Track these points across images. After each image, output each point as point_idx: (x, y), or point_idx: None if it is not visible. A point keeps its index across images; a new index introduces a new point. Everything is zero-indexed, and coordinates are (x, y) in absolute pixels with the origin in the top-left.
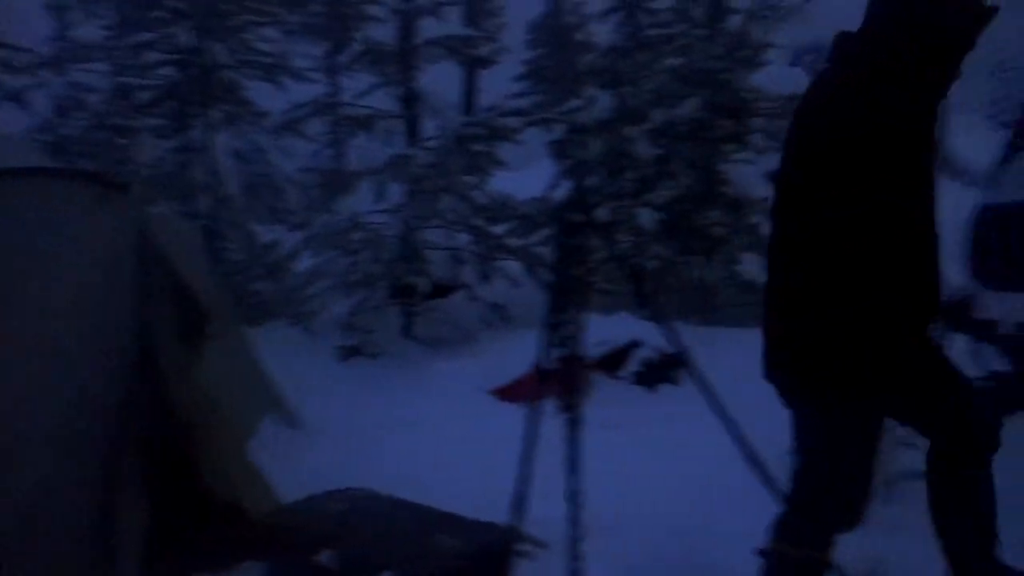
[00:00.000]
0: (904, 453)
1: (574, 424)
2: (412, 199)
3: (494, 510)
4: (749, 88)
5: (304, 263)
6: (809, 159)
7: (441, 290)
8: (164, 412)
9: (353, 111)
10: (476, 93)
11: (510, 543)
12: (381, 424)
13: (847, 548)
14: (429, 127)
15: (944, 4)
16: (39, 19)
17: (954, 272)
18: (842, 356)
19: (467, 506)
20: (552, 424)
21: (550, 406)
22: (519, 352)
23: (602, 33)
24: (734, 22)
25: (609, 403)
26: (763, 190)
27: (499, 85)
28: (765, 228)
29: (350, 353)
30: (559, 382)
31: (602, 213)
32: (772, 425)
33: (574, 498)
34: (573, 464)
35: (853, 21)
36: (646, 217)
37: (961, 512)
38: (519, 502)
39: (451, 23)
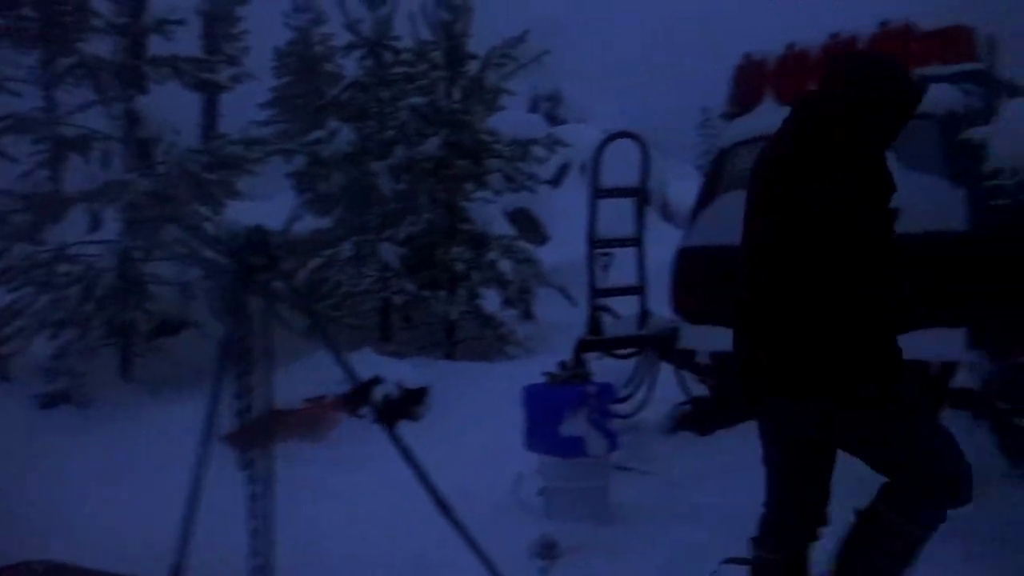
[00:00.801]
0: None
1: (258, 481)
2: (131, 229)
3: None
4: (487, 130)
5: None
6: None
7: (169, 328)
8: None
9: (66, 130)
10: (216, 118)
11: None
12: (87, 478)
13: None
14: (158, 152)
15: (895, 86)
16: None
17: (662, 306)
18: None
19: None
20: (298, 468)
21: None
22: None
23: (350, 66)
24: (473, 67)
25: (349, 442)
26: (501, 227)
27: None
28: (503, 265)
29: (54, 401)
30: (298, 424)
31: (346, 247)
32: (518, 457)
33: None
34: (258, 525)
35: (589, 72)
36: (389, 252)
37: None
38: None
39: (183, 43)
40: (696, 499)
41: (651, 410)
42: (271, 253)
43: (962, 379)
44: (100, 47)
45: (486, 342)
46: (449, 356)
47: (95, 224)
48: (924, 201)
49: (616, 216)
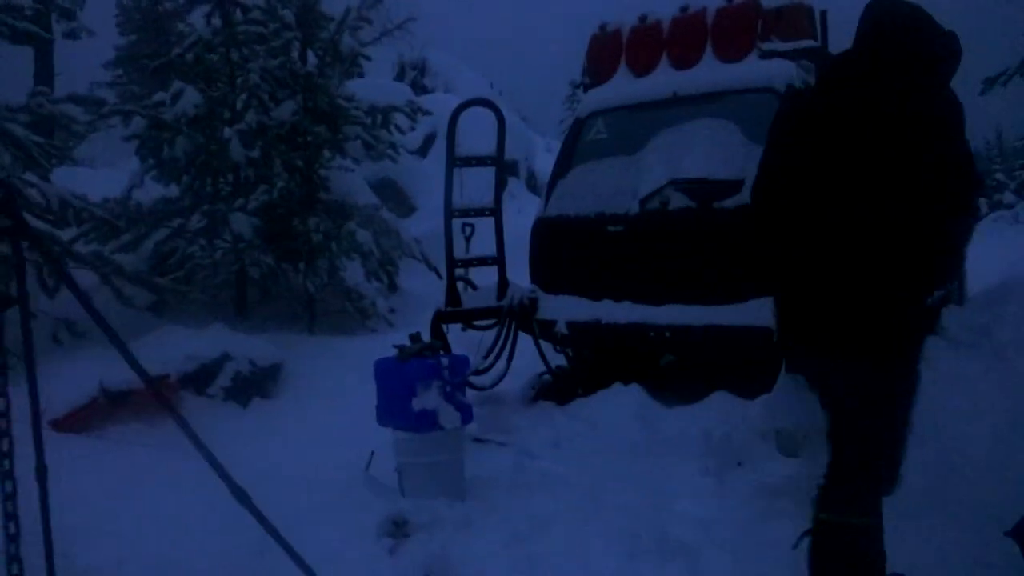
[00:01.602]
0: None
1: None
2: None
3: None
4: (344, 96)
5: None
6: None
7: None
8: None
9: None
10: (52, 78)
11: None
12: None
13: None
14: None
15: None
16: None
17: (523, 277)
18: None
19: None
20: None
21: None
22: (88, 375)
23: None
24: (329, 30)
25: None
26: (366, 197)
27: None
28: (363, 236)
29: None
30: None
31: (196, 218)
32: (374, 433)
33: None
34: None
35: (459, 42)
36: (242, 222)
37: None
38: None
39: None
40: (551, 469)
41: (510, 381)
42: (16, 214)
43: None
44: None
45: (347, 316)
46: (309, 331)
47: None
48: None
49: (486, 186)
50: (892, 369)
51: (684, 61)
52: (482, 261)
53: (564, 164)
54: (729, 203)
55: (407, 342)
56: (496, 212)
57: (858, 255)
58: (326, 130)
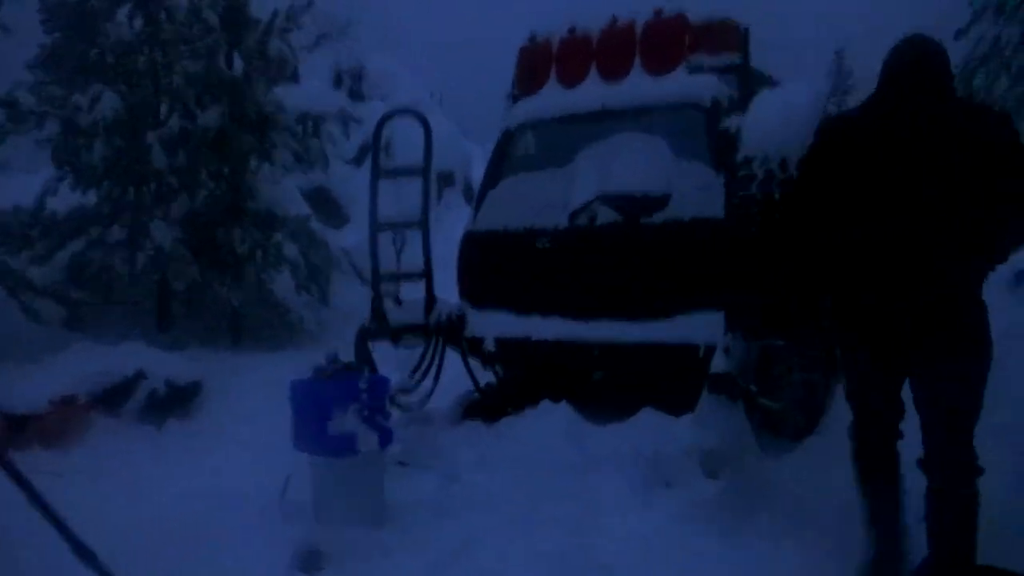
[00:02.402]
0: None
1: None
2: None
3: None
4: (273, 103)
5: None
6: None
7: None
8: None
9: None
10: None
11: None
12: None
13: None
14: None
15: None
16: None
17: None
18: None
19: None
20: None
21: (37, 459)
22: None
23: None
24: (257, 34)
25: (104, 448)
26: (297, 207)
27: (18, 73)
28: (290, 247)
29: None
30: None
31: (115, 228)
32: (293, 456)
33: None
34: None
35: (399, 50)
36: (164, 232)
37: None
38: None
39: None
40: (476, 491)
41: (438, 400)
42: None
43: (718, 362)
44: None
45: (274, 330)
46: (233, 346)
47: None
48: (691, 188)
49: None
50: (983, 361)
51: (613, 74)
52: (409, 276)
53: (493, 176)
54: (656, 218)
55: (326, 361)
56: (424, 225)
57: (938, 264)
58: (254, 138)
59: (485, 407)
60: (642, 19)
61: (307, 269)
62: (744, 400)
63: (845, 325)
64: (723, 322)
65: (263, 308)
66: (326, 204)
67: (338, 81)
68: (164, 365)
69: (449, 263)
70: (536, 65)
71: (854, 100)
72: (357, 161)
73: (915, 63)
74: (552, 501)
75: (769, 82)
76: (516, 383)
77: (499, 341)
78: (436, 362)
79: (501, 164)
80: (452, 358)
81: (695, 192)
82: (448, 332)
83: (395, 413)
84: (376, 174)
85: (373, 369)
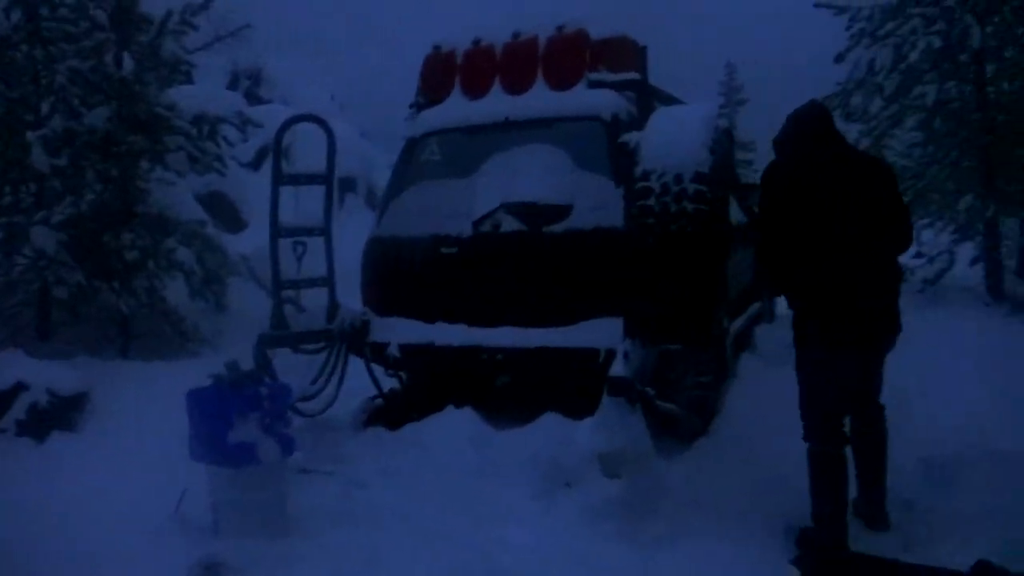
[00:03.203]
0: None
1: None
2: None
3: None
4: (165, 104)
5: None
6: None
7: None
8: None
9: None
10: None
11: None
12: None
13: None
14: None
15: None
16: None
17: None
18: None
19: None
20: None
21: None
22: None
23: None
24: (149, 33)
25: None
26: (192, 212)
27: None
28: (183, 253)
29: None
30: None
31: None
32: (189, 468)
33: None
34: None
35: (299, 52)
36: (45, 236)
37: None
38: None
39: None
40: (380, 498)
41: (341, 406)
42: None
43: (618, 367)
44: None
45: (167, 338)
46: (123, 355)
47: None
48: (592, 199)
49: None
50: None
51: (516, 86)
52: (312, 282)
53: (397, 184)
54: (558, 227)
55: (225, 369)
56: (326, 232)
57: (859, 276)
58: (144, 139)
59: (389, 413)
60: (544, 34)
61: (202, 275)
62: (642, 403)
63: (819, 331)
64: (622, 328)
65: (155, 315)
66: (222, 208)
67: (234, 83)
68: (46, 375)
69: (352, 269)
70: (440, 75)
71: (744, 113)
72: (254, 165)
73: (813, 120)
74: (455, 508)
75: (666, 98)
76: (420, 389)
77: (403, 347)
78: (339, 368)
79: (406, 172)
80: (355, 365)
81: (596, 203)
82: (351, 338)
83: (297, 420)
84: (277, 180)
85: (273, 377)
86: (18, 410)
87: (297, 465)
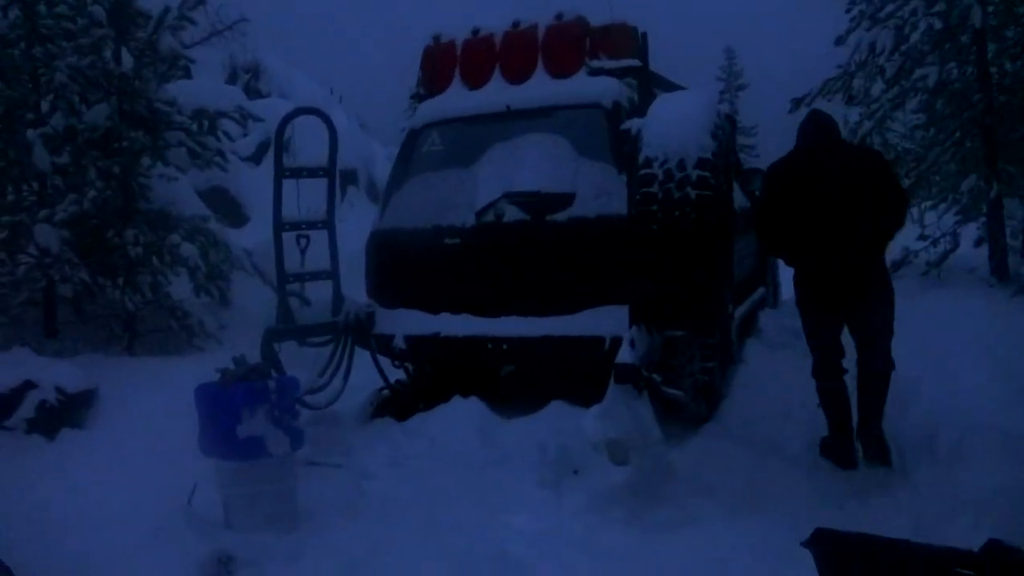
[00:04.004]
0: None
1: None
2: None
3: None
4: (165, 100)
5: None
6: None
7: None
8: None
9: None
10: None
11: None
12: None
13: None
14: None
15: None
16: None
17: (359, 291)
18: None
19: None
20: None
21: None
22: None
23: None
24: (147, 29)
25: None
26: (194, 207)
27: None
28: (186, 248)
29: None
30: None
31: None
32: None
33: None
34: None
35: (298, 46)
36: (48, 235)
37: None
38: None
39: None
40: (388, 490)
41: (348, 399)
42: None
43: (624, 354)
44: None
45: (172, 334)
46: (129, 352)
47: None
48: (594, 187)
49: (323, 196)
50: (888, 300)
51: (516, 75)
52: (316, 275)
53: (399, 176)
54: (561, 216)
55: (233, 363)
56: (329, 225)
57: (851, 247)
58: (145, 136)
59: (396, 404)
60: (544, 22)
61: (206, 270)
62: (648, 390)
63: (804, 289)
64: (627, 315)
65: (160, 311)
66: (224, 203)
67: (233, 77)
68: (54, 373)
69: (355, 262)
70: (440, 66)
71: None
72: (255, 159)
73: (817, 128)
74: (462, 499)
75: (667, 85)
76: (426, 380)
77: (409, 339)
78: (345, 361)
79: (407, 163)
80: (361, 357)
81: (598, 191)
82: (356, 331)
83: (305, 412)
84: (280, 174)
85: (280, 370)
86: (27, 408)
87: (306, 458)
